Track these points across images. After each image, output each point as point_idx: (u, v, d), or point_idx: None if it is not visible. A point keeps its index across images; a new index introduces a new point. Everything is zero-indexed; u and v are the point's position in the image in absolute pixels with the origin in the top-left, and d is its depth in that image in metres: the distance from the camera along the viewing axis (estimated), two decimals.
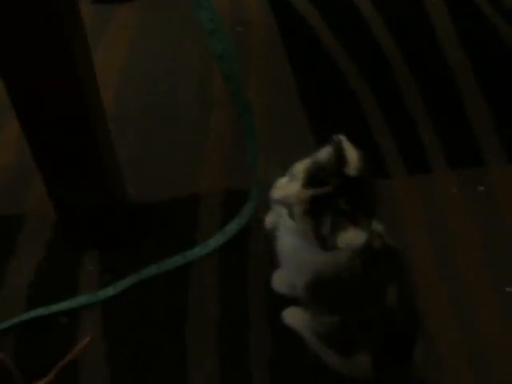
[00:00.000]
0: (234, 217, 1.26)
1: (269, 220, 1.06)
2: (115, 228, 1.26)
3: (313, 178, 0.86)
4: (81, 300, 1.18)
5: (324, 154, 0.89)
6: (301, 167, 0.89)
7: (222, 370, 1.09)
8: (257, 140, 1.12)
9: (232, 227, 1.25)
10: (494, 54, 1.64)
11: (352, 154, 0.87)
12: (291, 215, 0.88)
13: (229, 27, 1.75)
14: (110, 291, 1.19)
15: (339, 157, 0.86)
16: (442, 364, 1.08)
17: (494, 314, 1.15)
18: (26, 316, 1.16)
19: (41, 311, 1.16)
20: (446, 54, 1.64)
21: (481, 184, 1.35)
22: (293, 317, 1.11)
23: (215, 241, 1.24)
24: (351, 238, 0.84)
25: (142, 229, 1.29)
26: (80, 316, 1.17)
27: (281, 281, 1.16)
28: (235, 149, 1.42)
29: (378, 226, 0.94)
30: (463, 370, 1.08)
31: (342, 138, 0.88)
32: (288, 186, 0.88)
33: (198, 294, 1.19)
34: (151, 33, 1.75)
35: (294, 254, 0.96)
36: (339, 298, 0.94)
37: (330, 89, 1.58)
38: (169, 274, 1.21)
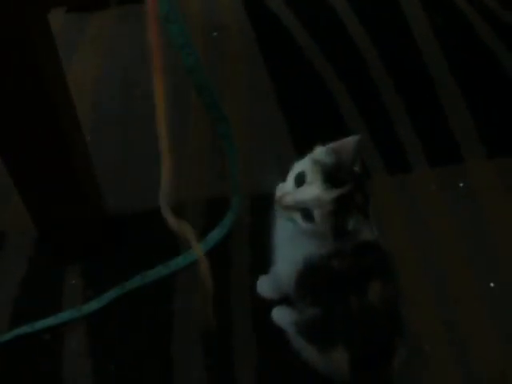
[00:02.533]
0: (215, 225, 1.26)
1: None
2: (96, 240, 1.25)
3: (329, 179, 0.88)
4: (64, 316, 1.17)
5: (324, 153, 0.91)
6: (307, 169, 0.90)
7: (209, 379, 1.09)
8: (235, 148, 1.11)
9: (214, 236, 1.24)
10: (471, 51, 1.65)
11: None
12: (308, 218, 0.89)
13: (204, 32, 1.74)
14: (93, 305, 1.18)
15: (355, 155, 0.90)
16: (427, 363, 1.09)
17: (478, 310, 1.15)
18: (9, 335, 1.15)
19: (24, 329, 1.15)
20: (422, 51, 1.64)
21: (460, 180, 1.35)
22: (280, 315, 1.12)
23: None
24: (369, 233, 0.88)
25: (123, 239, 1.29)
26: (64, 332, 1.16)
27: (266, 285, 1.16)
28: (215, 157, 1.42)
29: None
30: (449, 367, 1.08)
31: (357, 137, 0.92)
32: (302, 190, 0.90)
33: (182, 303, 1.19)
34: (125, 41, 1.74)
35: (292, 241, 0.97)
36: (325, 288, 0.95)
37: (307, 90, 1.58)
38: (152, 284, 1.21)
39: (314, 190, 0.88)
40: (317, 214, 0.88)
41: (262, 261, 1.08)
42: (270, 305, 1.14)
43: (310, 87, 1.58)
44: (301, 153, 1.38)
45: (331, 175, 0.88)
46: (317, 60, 1.64)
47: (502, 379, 1.07)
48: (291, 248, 0.98)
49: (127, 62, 1.69)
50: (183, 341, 1.13)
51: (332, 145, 0.92)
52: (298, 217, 0.91)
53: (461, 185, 1.35)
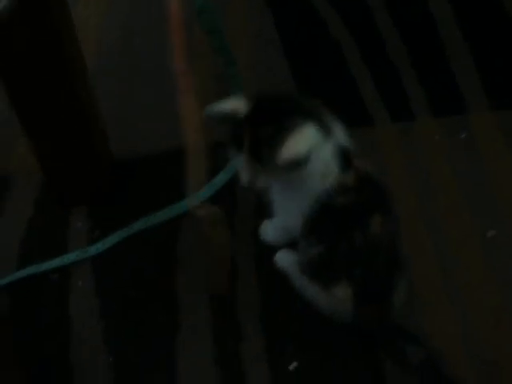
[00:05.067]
0: (221, 169, 1.26)
1: None
2: (102, 183, 1.27)
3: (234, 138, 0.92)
4: (71, 257, 1.19)
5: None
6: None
7: (213, 320, 1.12)
8: (243, 91, 1.11)
9: (219, 179, 1.25)
10: (478, 2, 1.63)
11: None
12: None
13: None
14: (99, 247, 1.20)
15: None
16: (423, 308, 1.11)
17: (475, 258, 1.17)
18: (17, 275, 1.17)
19: (32, 269, 1.18)
20: (429, 1, 1.62)
21: (463, 131, 1.36)
22: (283, 258, 1.14)
23: (203, 194, 1.25)
24: (293, 146, 0.87)
25: (129, 183, 1.30)
26: (71, 272, 1.19)
27: (269, 230, 1.18)
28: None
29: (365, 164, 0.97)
30: (444, 313, 1.11)
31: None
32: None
33: (187, 246, 1.21)
34: None
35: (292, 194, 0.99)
36: (331, 225, 0.96)
37: (312, 38, 1.57)
38: (158, 227, 1.23)
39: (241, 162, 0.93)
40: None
41: (267, 206, 1.09)
42: (273, 249, 1.16)
43: (315, 35, 1.57)
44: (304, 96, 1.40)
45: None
46: (322, 8, 1.62)
47: (496, 327, 1.10)
48: (294, 200, 0.99)
49: (130, 8, 1.67)
50: (188, 281, 1.16)
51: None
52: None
53: (463, 135, 1.36)
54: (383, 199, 0.98)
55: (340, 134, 0.94)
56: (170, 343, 1.10)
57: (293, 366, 1.05)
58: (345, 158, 0.94)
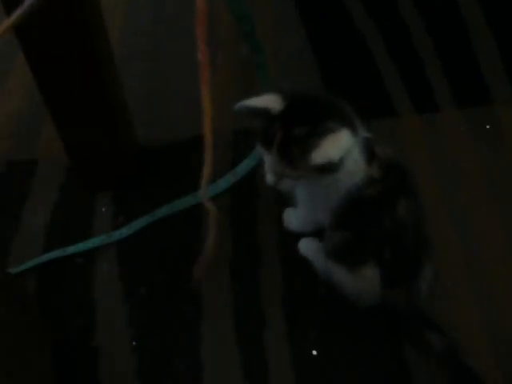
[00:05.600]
0: (243, 157, 1.27)
1: None
2: (127, 169, 1.28)
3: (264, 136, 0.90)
4: (96, 241, 1.20)
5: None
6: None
7: (236, 306, 1.12)
8: (271, 80, 1.11)
9: (242, 168, 1.26)
10: None
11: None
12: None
13: None
14: (123, 232, 1.21)
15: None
16: (447, 298, 1.11)
17: (500, 249, 1.17)
18: (43, 258, 1.19)
19: (57, 253, 1.19)
20: None
21: (488, 122, 1.35)
22: (307, 245, 1.14)
23: (226, 181, 1.25)
24: (325, 151, 0.85)
25: (154, 169, 1.31)
26: (96, 257, 1.20)
27: (292, 218, 1.18)
28: (243, 88, 1.42)
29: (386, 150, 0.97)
30: (468, 304, 1.11)
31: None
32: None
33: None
34: None
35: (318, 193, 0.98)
36: (359, 216, 0.96)
37: (336, 28, 1.57)
38: (181, 213, 1.24)
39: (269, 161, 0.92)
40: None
41: (289, 197, 1.09)
42: (296, 236, 1.16)
43: (339, 25, 1.57)
44: (328, 86, 1.41)
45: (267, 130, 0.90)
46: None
47: None
48: (320, 198, 0.99)
49: None
50: (210, 267, 1.16)
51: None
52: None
53: (487, 127, 1.35)
54: (407, 181, 0.98)
55: (360, 126, 0.94)
56: (192, 328, 1.10)
57: (316, 351, 1.06)
58: (368, 149, 0.93)
